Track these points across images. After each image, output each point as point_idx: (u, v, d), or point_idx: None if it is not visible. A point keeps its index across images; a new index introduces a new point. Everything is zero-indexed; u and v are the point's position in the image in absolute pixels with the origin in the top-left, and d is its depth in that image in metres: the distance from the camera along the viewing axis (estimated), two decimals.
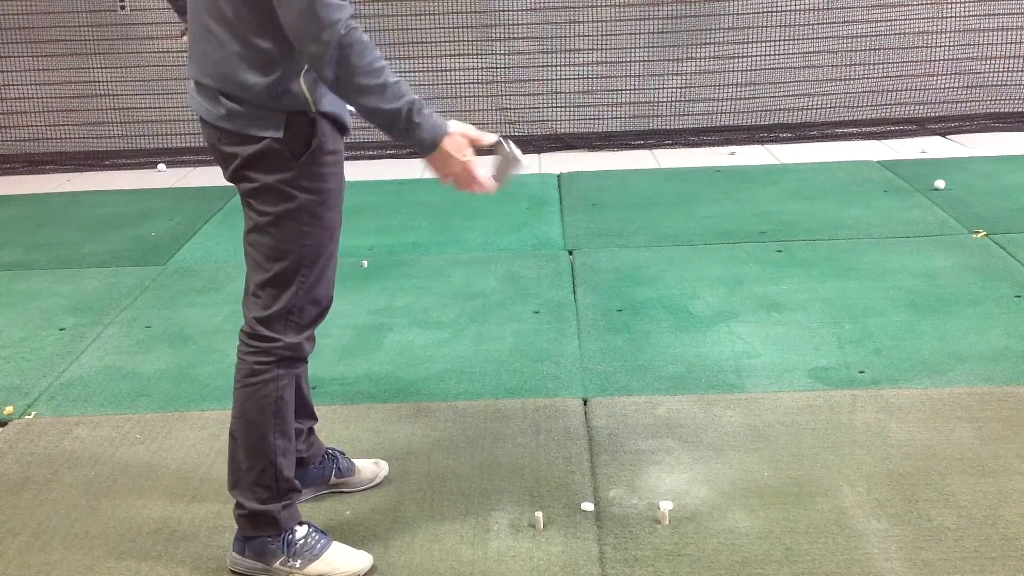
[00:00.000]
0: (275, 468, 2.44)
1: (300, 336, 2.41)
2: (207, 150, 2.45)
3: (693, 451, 3.01)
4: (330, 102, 2.29)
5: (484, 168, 2.32)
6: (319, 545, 2.50)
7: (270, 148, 2.26)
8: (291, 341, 2.40)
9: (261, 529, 2.48)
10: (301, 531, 2.50)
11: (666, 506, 2.69)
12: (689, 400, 3.33)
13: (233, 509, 2.51)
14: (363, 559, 2.52)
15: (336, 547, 2.52)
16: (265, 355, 2.40)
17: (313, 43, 2.08)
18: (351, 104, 2.20)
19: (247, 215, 2.38)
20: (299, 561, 2.47)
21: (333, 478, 2.83)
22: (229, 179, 2.39)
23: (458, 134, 2.27)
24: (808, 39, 7.07)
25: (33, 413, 3.45)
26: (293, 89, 2.23)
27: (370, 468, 2.89)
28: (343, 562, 2.50)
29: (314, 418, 2.79)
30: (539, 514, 2.67)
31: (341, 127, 2.35)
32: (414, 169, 6.62)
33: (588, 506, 2.74)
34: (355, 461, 2.88)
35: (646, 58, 7.13)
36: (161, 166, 6.96)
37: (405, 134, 2.19)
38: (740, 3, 7.04)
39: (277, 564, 2.48)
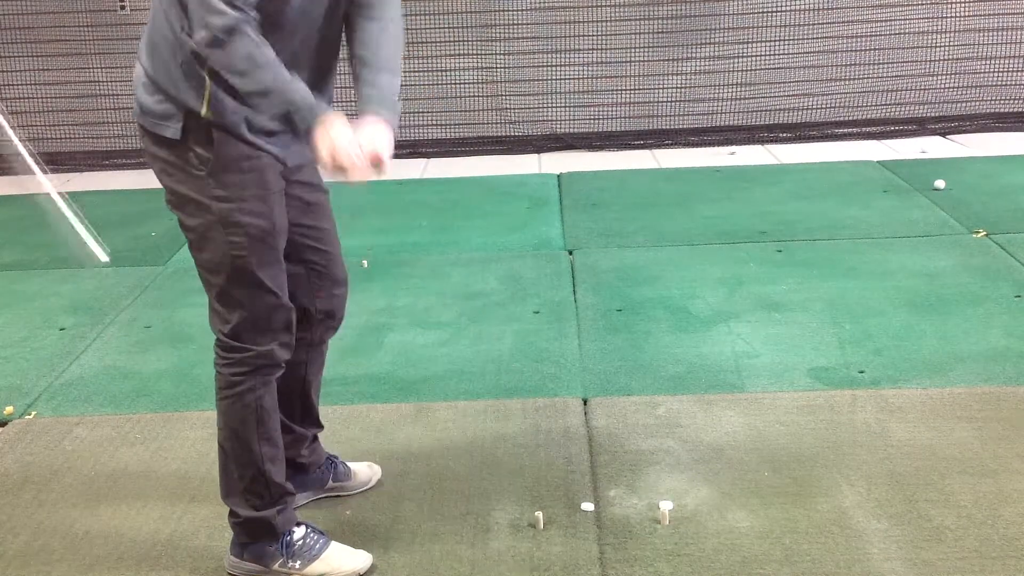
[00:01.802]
0: (264, 476, 2.43)
1: (272, 343, 2.37)
2: None
3: (693, 451, 3.01)
4: (234, 115, 2.22)
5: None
6: (318, 545, 2.49)
7: (175, 151, 2.25)
8: (263, 349, 2.36)
9: (258, 536, 2.47)
10: (299, 532, 2.50)
11: (666, 506, 2.69)
12: (689, 400, 3.33)
13: (228, 517, 2.51)
14: (362, 558, 2.52)
15: (335, 547, 2.52)
16: (239, 366, 2.37)
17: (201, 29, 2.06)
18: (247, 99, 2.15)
19: (181, 229, 2.37)
20: (298, 562, 2.47)
21: (331, 482, 2.83)
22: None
23: (337, 120, 2.16)
24: (808, 39, 7.06)
25: (33, 413, 3.45)
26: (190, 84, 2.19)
27: (365, 471, 2.89)
28: (342, 561, 2.49)
29: (319, 426, 2.78)
30: (539, 514, 2.66)
31: (247, 142, 2.27)
32: (414, 169, 6.63)
33: (588, 506, 2.74)
34: (351, 465, 2.88)
35: (646, 58, 7.13)
36: None
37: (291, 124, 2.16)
38: (740, 3, 7.04)
39: (276, 566, 2.48)
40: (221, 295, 2.34)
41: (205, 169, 2.24)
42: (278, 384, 2.55)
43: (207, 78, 2.17)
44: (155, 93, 2.25)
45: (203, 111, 2.21)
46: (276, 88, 2.11)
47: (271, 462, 2.44)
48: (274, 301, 2.35)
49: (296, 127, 2.15)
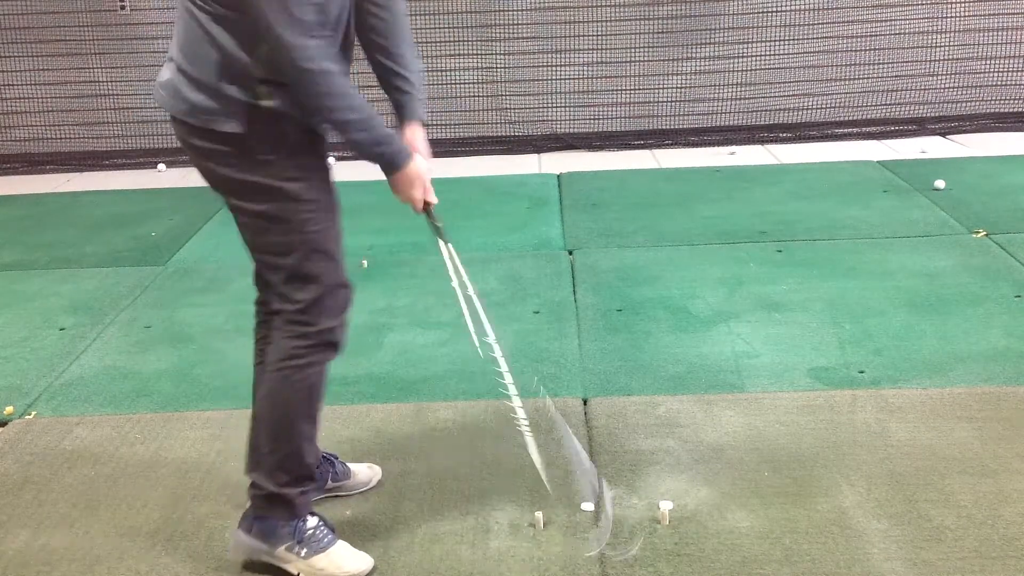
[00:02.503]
0: (299, 454, 2.45)
1: (335, 321, 2.42)
2: None
3: (693, 451, 3.01)
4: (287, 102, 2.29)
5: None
6: (326, 539, 2.49)
7: (235, 142, 2.28)
8: (328, 326, 2.41)
9: (275, 511, 2.47)
10: (312, 521, 2.50)
11: (666, 506, 2.69)
12: (689, 400, 3.33)
13: (248, 488, 2.49)
14: (365, 561, 2.51)
15: (341, 545, 2.52)
16: (304, 339, 2.39)
17: (286, 74, 2.20)
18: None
19: (240, 220, 2.39)
20: (305, 550, 2.47)
21: (330, 482, 2.82)
22: (206, 180, 2.39)
23: (419, 167, 2.44)
24: (808, 39, 7.07)
25: (33, 413, 3.45)
26: (247, 81, 2.25)
27: (365, 472, 2.89)
28: (344, 560, 2.49)
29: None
30: (539, 514, 2.66)
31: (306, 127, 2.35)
32: None
33: (588, 506, 2.74)
34: (350, 465, 2.88)
35: (646, 58, 7.13)
36: (161, 166, 6.97)
37: (373, 159, 2.36)
38: (740, 3, 7.04)
39: (282, 548, 2.47)
40: (293, 275, 2.37)
41: (275, 154, 2.30)
42: None
43: (259, 83, 2.24)
44: (201, 91, 2.27)
45: (265, 103, 2.26)
46: (362, 120, 2.26)
47: (308, 441, 2.46)
48: (342, 275, 2.43)
49: (378, 159, 2.35)
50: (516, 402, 2.60)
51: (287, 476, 2.45)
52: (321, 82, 2.19)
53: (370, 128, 2.29)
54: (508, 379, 2.61)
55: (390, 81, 2.49)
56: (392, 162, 2.38)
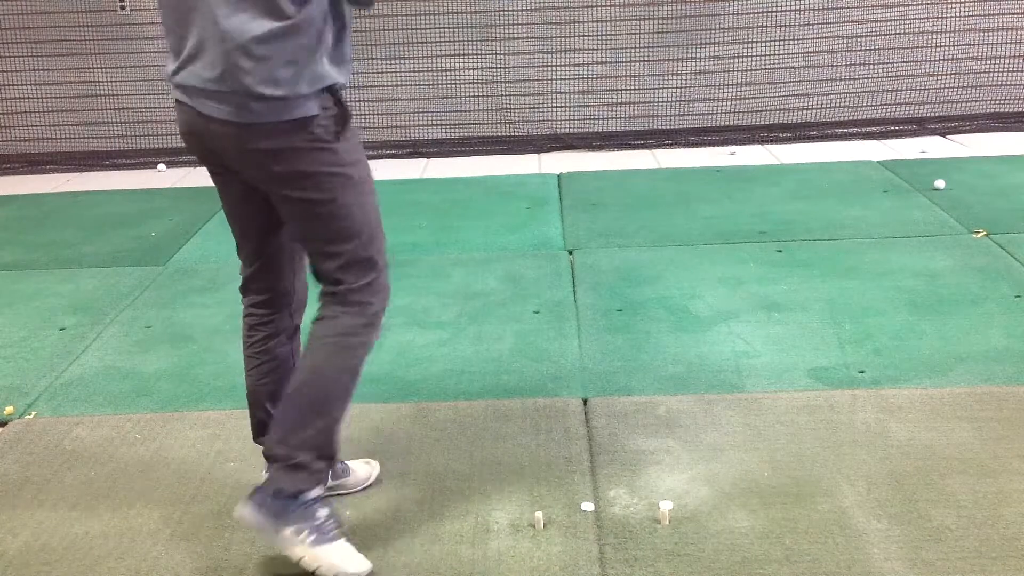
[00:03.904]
0: (330, 431, 2.44)
1: (386, 302, 2.48)
2: None
3: (693, 451, 3.01)
4: (337, 71, 2.33)
5: None
6: (332, 533, 2.46)
7: (300, 132, 2.28)
8: (382, 306, 2.46)
9: (297, 482, 2.42)
10: (324, 512, 2.47)
11: (666, 506, 2.69)
12: (689, 400, 3.33)
13: (273, 462, 2.44)
14: (364, 565, 2.49)
15: (345, 543, 2.50)
16: (360, 317, 2.43)
17: None
18: None
19: (299, 210, 2.37)
20: (312, 537, 2.41)
21: (329, 480, 2.82)
22: (270, 181, 2.36)
23: None
24: (808, 39, 7.07)
25: (33, 413, 3.45)
26: (321, 66, 2.28)
27: (363, 468, 2.89)
28: (347, 560, 2.47)
29: None
30: (539, 514, 2.66)
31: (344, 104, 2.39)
32: (414, 169, 6.63)
33: (588, 506, 2.74)
34: (348, 463, 2.87)
35: (646, 58, 7.13)
36: (161, 166, 6.97)
37: None
38: (740, 3, 7.05)
39: (289, 531, 2.41)
40: (352, 260, 2.42)
41: (335, 141, 2.32)
42: (283, 382, 2.60)
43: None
44: (279, 85, 2.25)
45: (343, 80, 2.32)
46: None
47: (338, 422, 2.45)
48: (386, 256, 2.50)
49: None
50: None
51: (315, 452, 2.43)
52: None
53: None
54: None
55: None
56: None
